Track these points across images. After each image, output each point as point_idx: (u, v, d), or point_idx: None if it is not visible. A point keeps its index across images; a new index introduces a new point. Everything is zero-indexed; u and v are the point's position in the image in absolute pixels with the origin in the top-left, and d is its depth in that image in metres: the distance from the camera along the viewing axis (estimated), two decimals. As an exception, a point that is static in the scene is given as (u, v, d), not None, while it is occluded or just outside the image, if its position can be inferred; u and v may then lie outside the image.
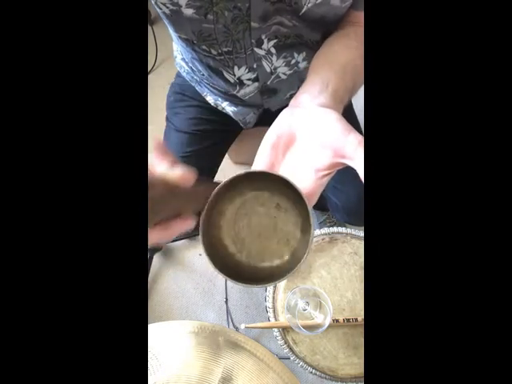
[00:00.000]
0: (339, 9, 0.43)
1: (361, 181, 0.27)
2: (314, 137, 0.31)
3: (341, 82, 0.36)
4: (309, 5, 0.41)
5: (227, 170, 1.12)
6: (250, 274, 0.33)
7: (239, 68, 0.52)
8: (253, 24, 0.43)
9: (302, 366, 0.61)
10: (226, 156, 0.82)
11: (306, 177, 0.31)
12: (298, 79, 0.57)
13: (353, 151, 0.28)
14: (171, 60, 0.74)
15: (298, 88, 0.37)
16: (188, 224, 0.27)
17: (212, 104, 0.68)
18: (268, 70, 0.53)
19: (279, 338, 0.62)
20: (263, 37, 0.46)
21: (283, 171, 0.32)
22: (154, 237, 0.25)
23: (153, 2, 0.42)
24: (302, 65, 0.54)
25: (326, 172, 0.31)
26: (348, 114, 0.74)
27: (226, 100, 0.65)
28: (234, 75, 0.54)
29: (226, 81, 0.56)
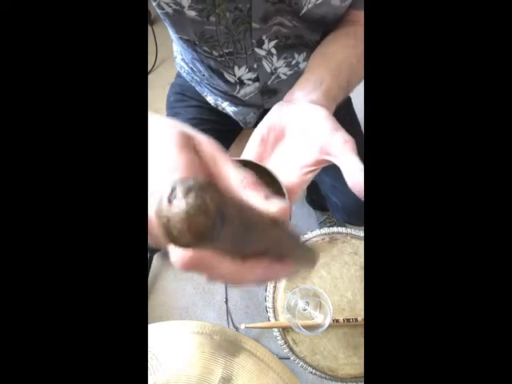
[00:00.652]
0: (339, 8, 0.43)
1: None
2: (302, 133, 0.31)
3: (335, 80, 0.36)
4: (309, 5, 0.41)
5: (227, 170, 1.12)
6: None
7: (239, 68, 0.52)
8: (254, 25, 0.43)
9: (302, 366, 0.61)
10: (226, 156, 0.81)
11: (292, 172, 0.31)
12: None
13: (338, 149, 0.28)
14: (171, 60, 0.74)
15: None
16: (288, 270, 0.20)
17: (212, 104, 0.68)
18: (268, 70, 0.53)
19: (279, 338, 0.62)
20: (264, 37, 0.46)
21: (271, 165, 0.32)
22: (252, 273, 0.19)
23: (154, 4, 0.42)
24: (303, 65, 0.54)
25: (311, 168, 0.31)
26: (348, 113, 0.75)
27: (226, 100, 0.65)
28: (235, 75, 0.54)
29: (227, 81, 0.56)
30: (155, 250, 1.11)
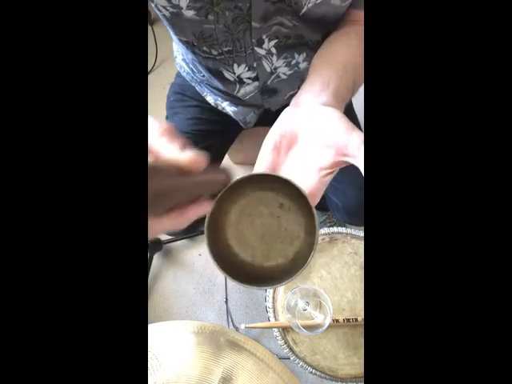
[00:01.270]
0: (339, 8, 0.43)
1: (362, 181, 0.27)
2: (316, 136, 0.31)
3: (341, 80, 0.36)
4: (309, 5, 0.41)
5: (227, 170, 1.12)
6: (254, 273, 0.33)
7: (239, 66, 0.52)
8: (253, 24, 0.43)
9: (302, 366, 0.61)
10: (226, 156, 0.81)
11: (309, 176, 0.31)
12: (298, 79, 0.57)
13: (356, 149, 0.28)
14: (171, 60, 0.74)
15: (299, 88, 0.37)
16: (204, 208, 0.26)
17: (212, 104, 0.68)
18: (268, 69, 0.53)
19: (279, 337, 0.62)
20: (264, 37, 0.46)
21: (286, 171, 0.32)
22: (169, 223, 0.24)
23: (153, 5, 0.42)
24: (303, 65, 0.54)
25: (329, 171, 0.31)
26: (348, 113, 0.74)
27: (226, 100, 0.65)
28: (234, 73, 0.54)
29: (226, 81, 0.56)
30: (155, 250, 1.12)
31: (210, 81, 0.59)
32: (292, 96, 0.37)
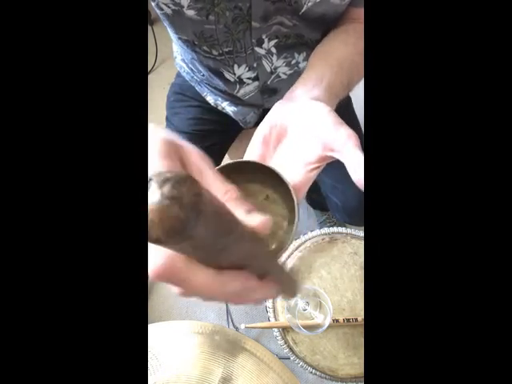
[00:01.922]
0: (339, 6, 0.43)
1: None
2: (304, 130, 0.31)
3: (336, 77, 0.36)
4: (309, 4, 0.41)
5: (227, 170, 1.12)
6: None
7: (239, 66, 0.52)
8: (253, 24, 0.43)
9: (302, 366, 0.61)
10: (226, 156, 0.81)
11: (296, 170, 0.31)
12: None
13: (342, 144, 0.28)
14: (171, 60, 0.74)
15: None
16: (271, 292, 0.21)
17: (212, 104, 0.68)
18: (268, 69, 0.53)
19: (279, 337, 0.62)
20: (264, 36, 0.46)
21: (274, 164, 0.32)
22: (227, 286, 0.18)
23: (153, 4, 0.42)
24: (303, 65, 0.54)
25: (316, 165, 0.31)
26: (347, 112, 0.75)
27: (226, 100, 0.65)
28: (234, 74, 0.54)
29: (226, 80, 0.56)
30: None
31: (210, 80, 0.59)
32: None
